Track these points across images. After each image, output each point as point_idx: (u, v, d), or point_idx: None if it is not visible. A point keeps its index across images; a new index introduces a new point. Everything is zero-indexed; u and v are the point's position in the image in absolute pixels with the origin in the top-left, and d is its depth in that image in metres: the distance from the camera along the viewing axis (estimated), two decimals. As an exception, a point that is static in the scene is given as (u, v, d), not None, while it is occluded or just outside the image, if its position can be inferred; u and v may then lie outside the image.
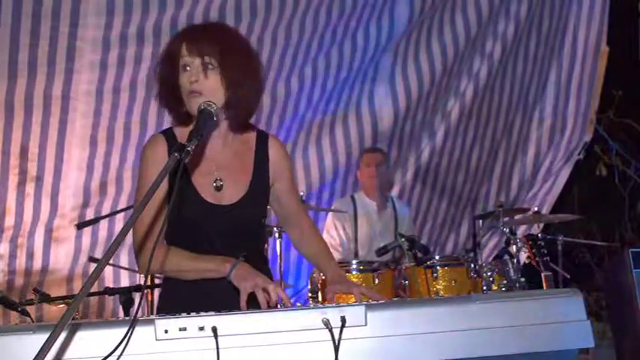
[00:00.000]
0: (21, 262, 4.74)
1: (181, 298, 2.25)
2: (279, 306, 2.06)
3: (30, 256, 4.76)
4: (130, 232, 1.70)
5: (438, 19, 5.63)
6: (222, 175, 2.27)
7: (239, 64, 2.21)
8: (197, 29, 2.29)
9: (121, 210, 4.54)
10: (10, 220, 4.68)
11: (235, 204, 2.26)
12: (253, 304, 2.06)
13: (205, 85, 2.17)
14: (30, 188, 4.69)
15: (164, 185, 2.16)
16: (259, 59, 2.37)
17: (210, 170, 2.27)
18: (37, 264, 4.78)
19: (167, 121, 5.25)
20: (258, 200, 2.33)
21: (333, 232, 5.13)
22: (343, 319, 1.71)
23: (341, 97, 5.57)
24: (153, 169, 2.19)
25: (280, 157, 2.38)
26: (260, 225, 2.39)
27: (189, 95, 2.17)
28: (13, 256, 4.72)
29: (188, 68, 2.19)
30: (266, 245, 4.32)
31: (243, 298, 2.07)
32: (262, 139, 2.37)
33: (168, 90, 2.24)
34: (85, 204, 4.84)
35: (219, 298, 2.09)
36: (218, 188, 2.26)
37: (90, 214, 4.81)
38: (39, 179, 4.70)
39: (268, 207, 2.43)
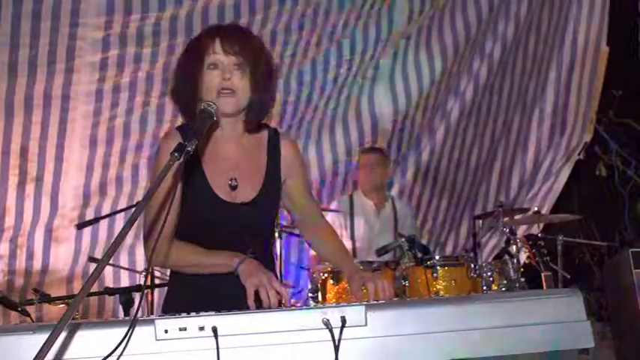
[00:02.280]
0: (21, 262, 4.74)
1: (190, 294, 2.26)
2: (282, 305, 2.06)
3: (30, 256, 4.76)
4: (130, 232, 1.70)
5: (438, 19, 5.63)
6: (236, 175, 2.30)
7: (266, 67, 2.27)
8: (231, 29, 2.30)
9: (121, 210, 4.54)
10: (10, 220, 4.68)
11: (249, 202, 2.29)
12: (257, 301, 2.07)
13: (238, 84, 2.21)
14: (30, 188, 4.69)
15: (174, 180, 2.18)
16: (276, 65, 2.41)
17: (225, 170, 2.30)
18: (37, 264, 4.78)
19: (167, 121, 5.28)
20: (271, 198, 2.35)
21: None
22: (343, 319, 1.71)
23: (340, 97, 5.57)
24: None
25: (292, 155, 2.41)
26: (272, 223, 2.42)
27: (220, 93, 2.19)
28: (13, 256, 4.72)
29: (217, 66, 2.20)
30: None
31: (250, 295, 2.08)
32: (274, 136, 2.40)
33: (189, 88, 2.24)
34: (85, 204, 4.84)
35: (225, 295, 2.10)
36: (233, 187, 2.29)
37: (90, 214, 4.81)
38: (39, 179, 4.70)
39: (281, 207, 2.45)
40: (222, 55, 2.20)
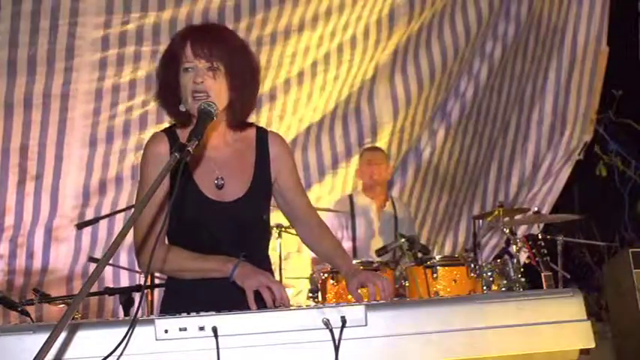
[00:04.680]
0: (21, 261, 4.74)
1: (185, 298, 2.24)
2: (282, 305, 2.06)
3: (30, 255, 4.76)
4: (130, 232, 1.70)
5: (438, 18, 5.63)
6: (223, 174, 2.28)
7: (244, 66, 2.25)
8: (201, 31, 2.28)
9: (121, 210, 4.54)
10: (10, 220, 4.68)
11: (237, 201, 2.27)
12: (258, 302, 2.06)
13: (212, 86, 2.18)
14: (30, 187, 4.69)
15: (165, 184, 2.17)
16: (257, 61, 2.39)
17: (211, 169, 2.28)
18: (37, 264, 4.78)
19: (167, 120, 5.29)
20: (259, 197, 2.33)
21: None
22: (343, 319, 1.71)
23: (340, 96, 5.56)
24: (154, 168, 2.20)
25: (281, 153, 2.39)
26: (262, 222, 2.39)
27: (193, 96, 2.18)
28: (12, 255, 4.72)
29: (191, 70, 2.19)
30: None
31: (250, 296, 2.07)
32: (262, 135, 2.38)
33: (169, 91, 2.24)
34: (85, 203, 4.84)
35: (223, 297, 2.09)
36: (219, 187, 2.27)
37: (90, 214, 4.81)
38: (39, 178, 4.70)
39: (273, 205, 2.43)
40: (193, 59, 2.19)
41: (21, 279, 4.75)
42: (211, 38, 2.22)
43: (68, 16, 4.43)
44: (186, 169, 2.22)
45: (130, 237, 1.98)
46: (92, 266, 4.54)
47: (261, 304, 2.06)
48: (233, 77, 2.21)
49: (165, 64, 2.25)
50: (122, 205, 4.86)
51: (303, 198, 2.48)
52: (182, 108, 2.21)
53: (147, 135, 4.86)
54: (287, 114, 5.38)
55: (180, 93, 2.22)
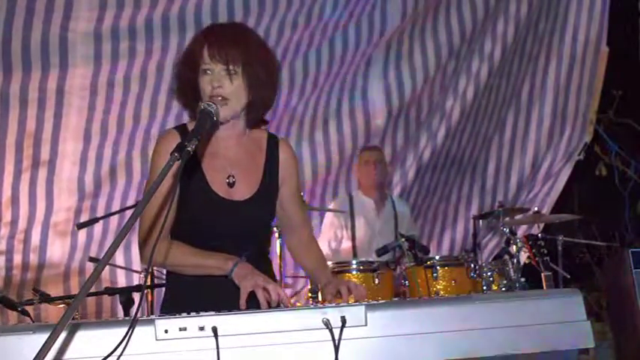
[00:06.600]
0: (19, 258, 4.74)
1: (186, 296, 2.26)
2: (281, 305, 2.06)
3: (28, 252, 4.76)
4: (129, 232, 1.70)
5: (433, 16, 5.62)
6: (234, 172, 2.31)
7: (261, 67, 2.25)
8: (219, 33, 2.28)
9: (121, 210, 4.54)
10: (7, 216, 4.68)
11: (247, 200, 2.29)
12: (253, 303, 2.07)
13: (229, 90, 2.20)
14: (26, 183, 4.69)
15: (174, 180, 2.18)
16: (276, 57, 2.41)
17: (223, 167, 2.31)
18: (35, 259, 4.78)
19: (160, 115, 5.29)
20: (268, 199, 2.36)
21: (331, 232, 5.13)
22: (343, 319, 1.71)
23: (332, 92, 5.55)
24: (164, 163, 2.20)
25: (290, 161, 2.42)
26: (268, 224, 2.43)
27: (211, 100, 2.18)
28: (10, 251, 4.72)
29: (209, 72, 2.21)
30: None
31: (243, 297, 2.09)
32: (273, 141, 2.41)
33: (187, 90, 2.27)
34: (81, 198, 4.83)
35: (222, 296, 2.10)
36: (231, 184, 2.30)
37: (86, 209, 4.82)
38: (35, 175, 4.70)
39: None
40: (210, 63, 2.20)
41: (19, 275, 4.75)
42: (228, 41, 2.22)
43: (62, 11, 4.43)
44: (199, 165, 2.25)
45: (128, 236, 1.99)
46: (89, 263, 4.54)
47: (256, 306, 2.06)
48: (251, 78, 2.22)
49: (185, 63, 2.27)
50: (117, 199, 4.87)
51: (300, 209, 2.52)
52: (201, 107, 2.18)
53: (140, 130, 4.87)
54: (279, 110, 5.37)
55: (199, 94, 2.24)
